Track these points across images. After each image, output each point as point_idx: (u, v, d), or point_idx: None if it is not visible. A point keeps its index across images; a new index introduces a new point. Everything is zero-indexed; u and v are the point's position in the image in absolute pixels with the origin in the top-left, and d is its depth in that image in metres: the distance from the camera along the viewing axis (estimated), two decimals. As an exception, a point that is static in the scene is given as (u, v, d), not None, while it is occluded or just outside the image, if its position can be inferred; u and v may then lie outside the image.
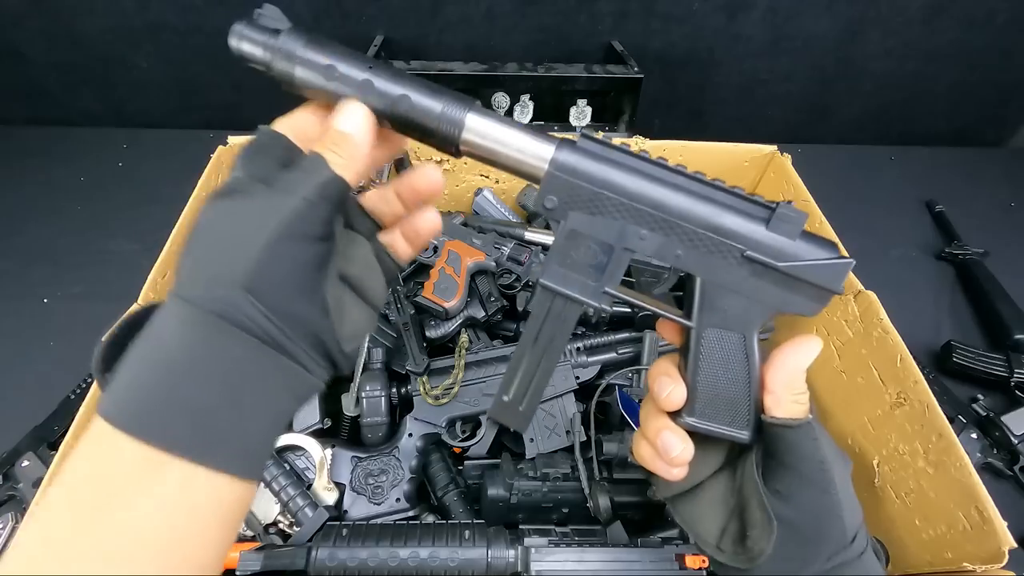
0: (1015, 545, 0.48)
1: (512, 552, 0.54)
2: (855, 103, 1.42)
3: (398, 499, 0.63)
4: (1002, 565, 0.48)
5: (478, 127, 0.30)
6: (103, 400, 0.24)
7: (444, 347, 0.76)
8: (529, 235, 0.81)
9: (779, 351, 0.31)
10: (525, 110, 1.21)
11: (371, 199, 0.34)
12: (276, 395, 0.26)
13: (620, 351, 0.72)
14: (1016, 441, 0.77)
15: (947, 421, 0.55)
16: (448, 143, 0.30)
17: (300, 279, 0.26)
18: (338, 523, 0.57)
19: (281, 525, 0.61)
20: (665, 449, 0.31)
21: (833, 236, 0.72)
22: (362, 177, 0.30)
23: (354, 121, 0.29)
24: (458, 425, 0.70)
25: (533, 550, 0.54)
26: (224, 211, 0.26)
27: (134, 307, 0.28)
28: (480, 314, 0.76)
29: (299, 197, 0.26)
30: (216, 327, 0.24)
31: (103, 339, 0.28)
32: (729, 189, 0.30)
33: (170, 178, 0.83)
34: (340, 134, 0.29)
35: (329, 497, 0.63)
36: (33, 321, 0.92)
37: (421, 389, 0.68)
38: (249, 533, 0.59)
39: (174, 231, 0.69)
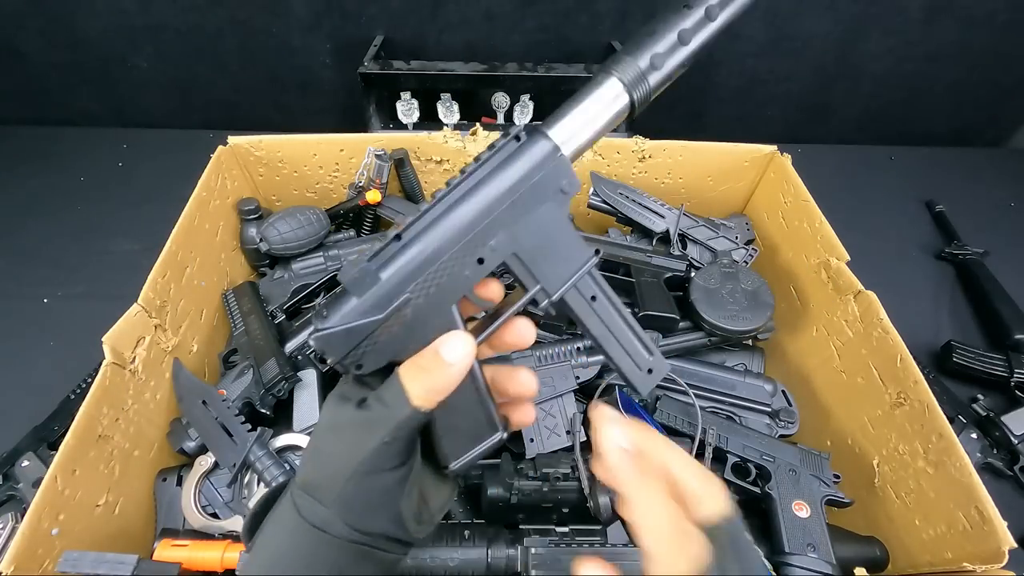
0: (1015, 545, 0.48)
1: (512, 552, 0.54)
2: (855, 103, 1.42)
3: (398, 499, 0.63)
4: (1002, 565, 0.48)
5: None
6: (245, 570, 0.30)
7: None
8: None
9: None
10: (525, 110, 1.20)
11: None
12: (366, 571, 0.30)
13: (620, 351, 0.72)
14: (1016, 441, 0.77)
15: (947, 421, 0.55)
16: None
17: (377, 503, 0.29)
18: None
19: (281, 525, 0.60)
20: None
21: (833, 236, 0.72)
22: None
23: (459, 354, 0.29)
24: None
25: (533, 550, 0.54)
26: (332, 425, 0.31)
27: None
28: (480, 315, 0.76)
29: (377, 439, 0.28)
30: (318, 536, 0.28)
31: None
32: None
33: (170, 178, 0.83)
34: (441, 361, 0.29)
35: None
36: (33, 321, 0.92)
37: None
38: (249, 533, 0.59)
39: (174, 231, 0.69)
